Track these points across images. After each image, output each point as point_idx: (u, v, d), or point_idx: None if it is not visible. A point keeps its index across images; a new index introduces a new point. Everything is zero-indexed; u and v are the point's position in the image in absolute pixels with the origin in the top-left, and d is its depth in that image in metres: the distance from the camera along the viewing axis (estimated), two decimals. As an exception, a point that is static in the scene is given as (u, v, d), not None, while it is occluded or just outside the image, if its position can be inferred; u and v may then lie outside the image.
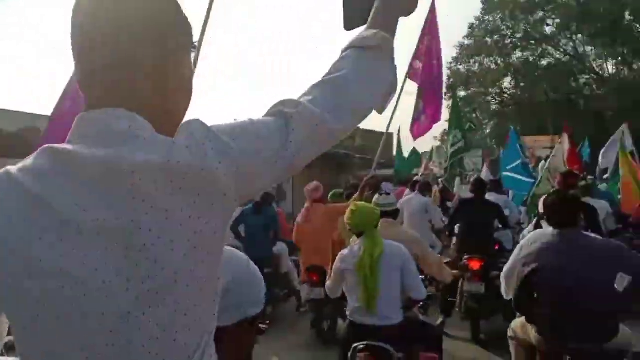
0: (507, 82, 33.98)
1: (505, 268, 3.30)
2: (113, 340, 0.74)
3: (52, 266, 0.73)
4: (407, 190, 9.12)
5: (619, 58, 29.06)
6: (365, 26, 1.03)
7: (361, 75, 0.93)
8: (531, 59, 31.47)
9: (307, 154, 0.87)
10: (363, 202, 3.74)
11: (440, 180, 10.92)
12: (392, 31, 1.01)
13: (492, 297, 4.94)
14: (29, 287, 0.73)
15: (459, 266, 5.14)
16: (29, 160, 0.79)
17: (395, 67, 1.00)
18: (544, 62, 31.42)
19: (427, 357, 3.29)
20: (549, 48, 31.14)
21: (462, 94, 27.91)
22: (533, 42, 31.11)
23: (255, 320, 1.17)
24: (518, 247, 3.23)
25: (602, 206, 6.18)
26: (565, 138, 8.48)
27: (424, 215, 7.22)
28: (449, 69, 33.39)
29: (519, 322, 3.25)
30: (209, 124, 0.81)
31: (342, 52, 0.98)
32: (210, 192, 0.76)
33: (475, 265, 5.17)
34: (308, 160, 0.89)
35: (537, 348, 2.98)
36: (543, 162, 12.81)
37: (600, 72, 30.74)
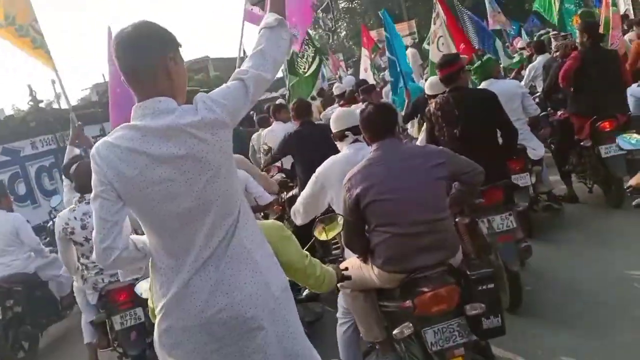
0: (348, -25, 32.87)
1: (305, 194, 3.21)
2: (199, 202, 1.65)
3: (154, 179, 1.61)
4: None
5: None
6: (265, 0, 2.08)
7: (271, 43, 1.84)
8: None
9: (256, 96, 1.79)
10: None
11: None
12: (281, 11, 1.92)
13: None
14: (147, 192, 1.62)
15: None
16: (117, 132, 1.65)
17: (287, 30, 1.90)
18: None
19: None
20: None
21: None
22: None
23: None
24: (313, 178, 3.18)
25: (511, 88, 4.94)
26: (439, 9, 6.82)
27: None
28: (287, -27, 31.35)
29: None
30: (208, 94, 1.70)
31: (259, 31, 1.88)
32: (221, 126, 1.66)
33: None
34: (257, 98, 1.82)
35: (379, 283, 2.71)
36: (410, 49, 11.94)
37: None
